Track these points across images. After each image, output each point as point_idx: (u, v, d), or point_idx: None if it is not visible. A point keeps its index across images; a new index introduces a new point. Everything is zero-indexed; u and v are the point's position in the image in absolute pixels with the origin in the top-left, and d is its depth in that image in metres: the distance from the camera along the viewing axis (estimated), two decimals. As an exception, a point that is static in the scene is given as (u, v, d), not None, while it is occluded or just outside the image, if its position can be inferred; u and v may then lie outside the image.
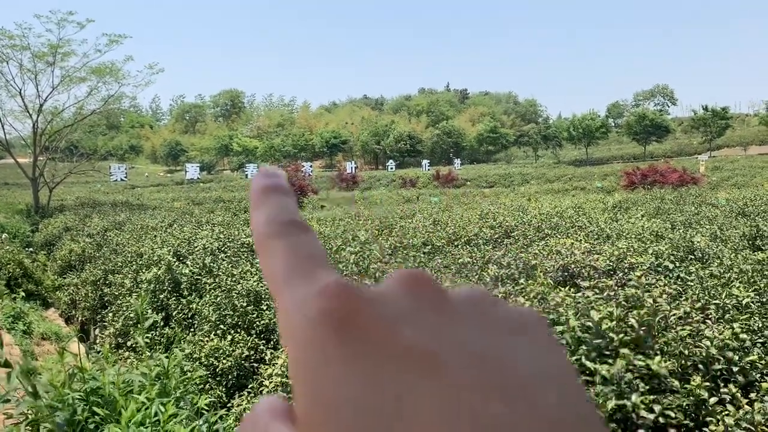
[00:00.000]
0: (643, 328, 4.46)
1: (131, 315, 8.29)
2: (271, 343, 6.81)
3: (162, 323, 8.24)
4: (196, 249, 10.17)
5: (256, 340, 6.84)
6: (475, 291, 0.30)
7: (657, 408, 3.73)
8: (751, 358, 4.26)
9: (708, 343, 4.34)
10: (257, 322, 7.05)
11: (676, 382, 3.99)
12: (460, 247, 10.15)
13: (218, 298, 7.58)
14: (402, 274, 0.29)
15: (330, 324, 0.25)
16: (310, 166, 61.80)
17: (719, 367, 4.22)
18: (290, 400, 0.27)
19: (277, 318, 0.29)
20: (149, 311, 7.83)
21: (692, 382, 3.92)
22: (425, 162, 73.19)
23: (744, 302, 5.29)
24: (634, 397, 3.76)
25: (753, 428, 3.47)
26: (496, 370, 0.24)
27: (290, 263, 0.29)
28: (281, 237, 0.30)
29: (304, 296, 0.27)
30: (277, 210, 0.32)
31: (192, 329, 7.84)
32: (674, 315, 4.88)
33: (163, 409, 3.39)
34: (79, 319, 11.25)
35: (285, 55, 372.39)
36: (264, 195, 0.33)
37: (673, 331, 4.59)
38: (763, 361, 4.31)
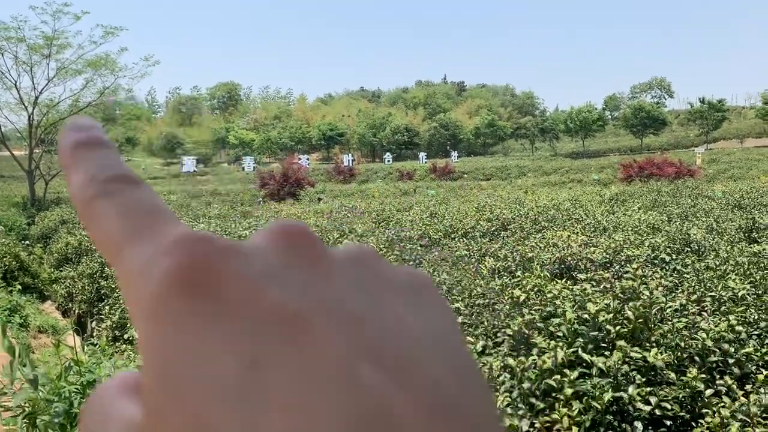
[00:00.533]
0: (639, 320, 4.47)
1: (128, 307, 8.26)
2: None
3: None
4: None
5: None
6: (361, 248, 0.27)
7: (653, 400, 3.75)
8: (746, 350, 4.28)
9: (704, 335, 4.36)
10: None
11: (673, 374, 4.00)
12: (457, 239, 10.16)
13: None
14: (275, 226, 0.25)
15: (179, 283, 0.21)
16: (307, 159, 61.71)
17: (715, 359, 4.24)
18: None
19: (120, 291, 0.25)
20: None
21: (688, 374, 3.93)
22: (422, 155, 73.09)
23: (740, 294, 5.31)
24: (630, 389, 3.77)
25: (749, 420, 3.48)
26: (373, 333, 0.22)
27: (126, 224, 0.24)
28: (108, 196, 0.26)
29: (147, 257, 0.23)
30: (97, 166, 0.27)
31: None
32: (670, 307, 4.89)
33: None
34: (76, 312, 11.24)
35: (282, 47, 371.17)
36: (78, 152, 0.28)
37: (669, 323, 4.60)
38: (758, 353, 4.33)
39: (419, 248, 9.35)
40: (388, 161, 72.04)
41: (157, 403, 0.20)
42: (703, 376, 3.97)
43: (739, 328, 4.48)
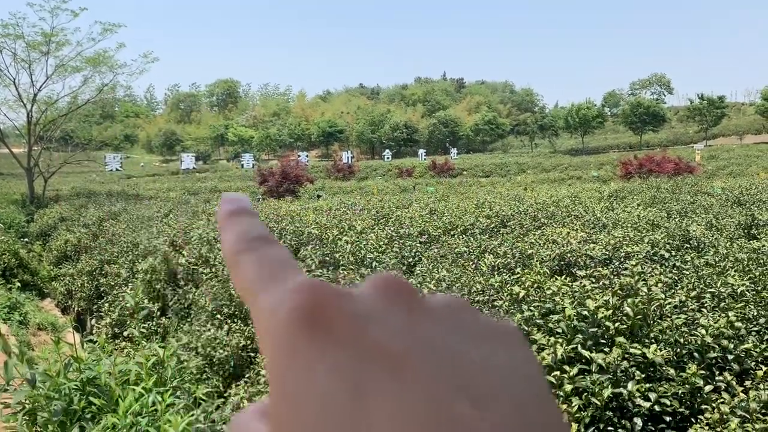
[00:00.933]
0: (638, 316, 4.47)
1: (127, 305, 8.28)
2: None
3: (158, 313, 8.23)
4: (192, 239, 10.15)
5: (252, 329, 6.84)
6: (452, 298, 0.30)
7: (653, 396, 3.75)
8: (746, 346, 4.28)
9: (703, 331, 4.36)
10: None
11: (672, 371, 4.00)
12: (456, 236, 10.16)
13: (215, 288, 7.58)
14: (377, 277, 0.30)
15: (300, 319, 0.26)
16: (306, 156, 61.66)
17: (714, 355, 4.24)
18: None
19: (254, 327, 0.29)
20: (145, 301, 7.84)
21: (688, 371, 3.94)
22: (422, 151, 73.05)
23: (739, 291, 5.31)
24: (630, 386, 3.78)
25: (748, 416, 3.49)
26: (465, 372, 0.24)
27: (262, 272, 0.30)
28: (251, 251, 0.32)
29: (277, 297, 0.28)
30: (244, 228, 0.33)
31: (188, 319, 7.84)
32: (670, 303, 4.89)
33: (160, 399, 3.39)
34: (75, 309, 11.24)
35: (281, 44, 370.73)
36: (231, 217, 0.35)
37: (668, 319, 4.60)
38: (758, 349, 4.33)
39: (419, 245, 9.34)
40: (388, 158, 72.00)
41: (279, 420, 0.24)
42: (703, 372, 3.97)
43: (738, 324, 4.49)
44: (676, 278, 6.14)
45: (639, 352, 4.08)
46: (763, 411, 3.52)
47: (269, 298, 0.28)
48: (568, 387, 3.81)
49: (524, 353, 0.28)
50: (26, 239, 18.26)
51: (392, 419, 0.22)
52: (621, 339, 4.18)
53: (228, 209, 0.35)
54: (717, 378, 4.00)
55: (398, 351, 0.25)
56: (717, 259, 6.75)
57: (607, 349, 4.20)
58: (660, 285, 5.28)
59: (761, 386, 3.72)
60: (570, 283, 5.49)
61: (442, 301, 0.29)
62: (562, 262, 7.50)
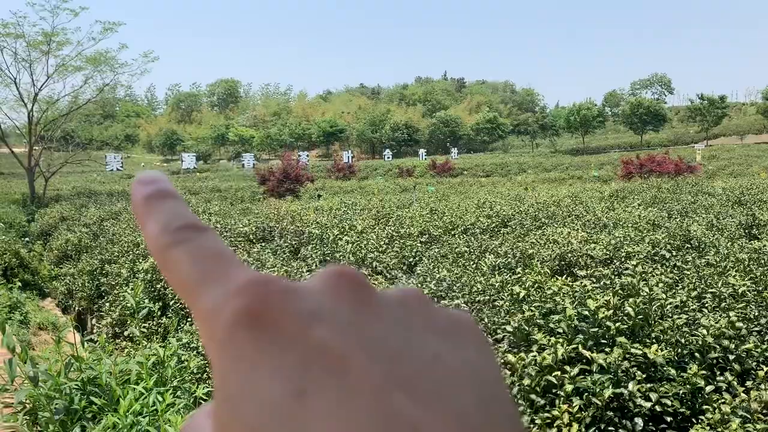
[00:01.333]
0: (639, 316, 4.47)
1: (128, 305, 8.28)
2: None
3: (159, 313, 8.23)
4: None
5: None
6: (408, 291, 0.29)
7: (653, 396, 3.75)
8: (747, 346, 4.27)
9: (704, 331, 4.35)
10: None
11: (673, 371, 4.00)
12: (457, 236, 10.15)
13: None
14: (329, 270, 0.28)
15: (245, 321, 0.25)
16: (306, 155, 61.64)
17: (715, 355, 4.24)
18: None
19: (195, 328, 0.28)
20: (146, 301, 7.83)
21: (689, 371, 3.93)
22: (422, 151, 73.05)
23: (740, 291, 5.30)
24: (630, 386, 3.77)
25: (749, 416, 3.48)
26: (410, 370, 0.24)
27: (197, 268, 0.28)
28: (181, 243, 0.29)
29: (218, 298, 0.26)
30: (168, 216, 0.30)
31: (189, 319, 7.84)
32: (670, 303, 4.89)
33: (160, 399, 3.39)
34: (76, 308, 11.24)
35: (281, 44, 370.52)
36: (150, 203, 0.31)
37: (669, 319, 4.60)
38: (759, 350, 4.33)
39: (419, 244, 9.34)
40: (388, 158, 72.01)
41: (220, 422, 0.24)
42: (704, 372, 3.97)
43: (739, 324, 4.48)
44: (677, 278, 6.13)
45: (640, 352, 4.08)
46: (764, 411, 3.52)
47: (209, 299, 0.27)
48: (569, 387, 3.81)
49: (480, 350, 0.27)
50: (27, 239, 18.26)
51: (331, 418, 0.22)
52: (622, 339, 4.18)
53: (145, 192, 0.32)
54: (718, 378, 3.99)
55: (342, 350, 0.24)
56: (718, 259, 6.74)
57: (608, 349, 4.20)
58: (661, 285, 5.28)
59: (762, 386, 3.71)
60: (571, 283, 5.49)
61: (395, 296, 0.29)
62: (563, 262, 7.50)
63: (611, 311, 4.55)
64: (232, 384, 0.24)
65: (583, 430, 3.64)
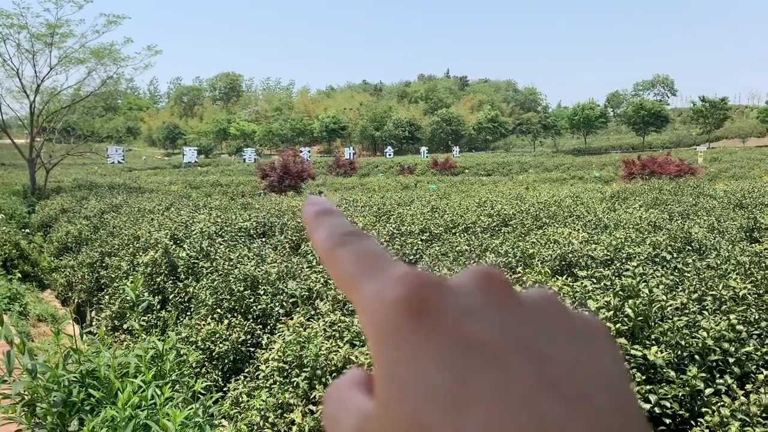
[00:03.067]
0: (639, 318, 4.46)
1: (127, 298, 8.27)
2: (268, 327, 6.81)
3: (158, 306, 8.23)
4: (193, 233, 10.15)
5: (252, 324, 6.83)
6: (545, 294, 0.32)
7: (653, 398, 3.74)
8: (747, 349, 4.26)
9: (704, 334, 4.34)
10: (254, 307, 7.05)
11: (672, 373, 3.99)
12: (457, 234, 10.14)
13: (215, 282, 7.57)
14: (476, 271, 0.31)
15: (405, 309, 0.28)
16: (308, 151, 61.63)
17: (715, 358, 4.23)
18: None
19: (357, 314, 0.31)
20: (146, 294, 7.83)
21: (688, 373, 3.92)
22: (424, 149, 73.07)
23: (741, 294, 5.29)
24: (630, 387, 3.76)
25: (749, 419, 3.48)
26: (555, 369, 0.26)
27: (360, 264, 0.32)
28: (345, 245, 0.34)
29: (380, 286, 0.30)
30: (334, 225, 0.36)
31: (189, 313, 7.84)
32: (671, 305, 4.88)
33: (159, 392, 3.38)
34: (76, 301, 11.24)
35: (284, 38, 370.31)
36: (318, 217, 0.37)
37: (669, 321, 4.59)
38: (759, 353, 4.32)
39: (420, 242, 9.33)
40: (390, 155, 71.99)
41: (385, 398, 0.27)
42: (703, 374, 3.96)
43: (739, 327, 4.47)
44: (678, 280, 6.12)
45: (640, 353, 4.07)
46: (764, 415, 3.51)
47: (372, 288, 0.30)
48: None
49: (612, 353, 0.29)
50: (27, 230, 18.26)
51: (491, 409, 0.24)
52: (622, 340, 4.17)
53: (315, 210, 0.38)
54: (718, 381, 3.98)
55: (496, 346, 0.26)
56: (719, 262, 6.73)
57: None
58: (661, 287, 5.27)
59: (762, 390, 3.70)
60: (571, 284, 5.48)
61: (535, 298, 0.31)
62: (564, 262, 7.49)
63: (611, 312, 4.55)
64: (398, 367, 0.26)
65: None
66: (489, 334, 0.27)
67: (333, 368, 4.93)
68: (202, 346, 6.46)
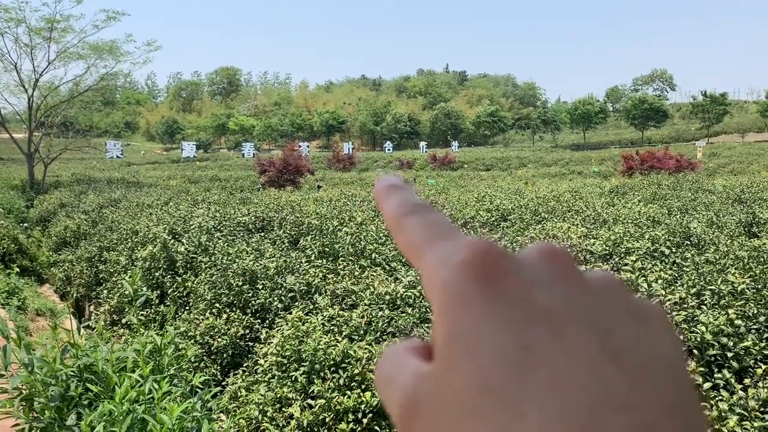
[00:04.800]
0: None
1: (126, 292, 8.27)
2: (266, 322, 6.81)
3: (157, 301, 8.23)
4: (191, 227, 10.13)
5: (251, 319, 6.83)
6: (608, 275, 0.32)
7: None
8: (745, 343, 4.26)
9: (703, 328, 4.35)
10: (252, 302, 7.04)
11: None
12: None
13: (214, 277, 7.57)
14: (543, 246, 0.32)
15: (473, 273, 0.28)
16: (307, 146, 61.57)
17: (714, 352, 4.23)
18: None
19: (421, 277, 0.31)
20: (144, 289, 7.82)
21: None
22: (423, 144, 73.00)
23: (739, 288, 5.29)
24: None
25: (747, 414, 3.48)
26: (618, 343, 0.27)
27: (428, 231, 0.33)
28: (414, 214, 0.35)
29: (448, 251, 0.30)
30: (405, 196, 0.37)
31: (187, 307, 7.83)
32: (669, 300, 4.88)
33: (157, 387, 3.38)
34: (74, 295, 11.24)
35: (283, 33, 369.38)
36: (390, 189, 0.38)
37: (668, 316, 4.59)
38: (757, 347, 4.32)
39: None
40: (389, 150, 71.94)
41: (448, 359, 0.27)
42: (702, 369, 3.96)
43: (738, 322, 4.47)
44: (676, 275, 6.12)
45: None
46: (762, 409, 3.51)
47: (439, 252, 0.31)
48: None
49: (671, 338, 0.29)
50: (26, 225, 18.24)
51: (555, 374, 0.25)
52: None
53: (386, 183, 0.39)
54: (716, 375, 3.99)
55: (561, 316, 0.27)
56: (717, 257, 6.73)
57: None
58: (660, 281, 5.27)
59: (760, 384, 3.71)
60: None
61: (599, 277, 0.31)
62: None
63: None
64: (463, 329, 0.27)
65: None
66: (555, 304, 0.28)
67: (331, 362, 4.93)
68: (201, 341, 6.45)
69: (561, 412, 0.24)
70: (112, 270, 9.79)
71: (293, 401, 4.77)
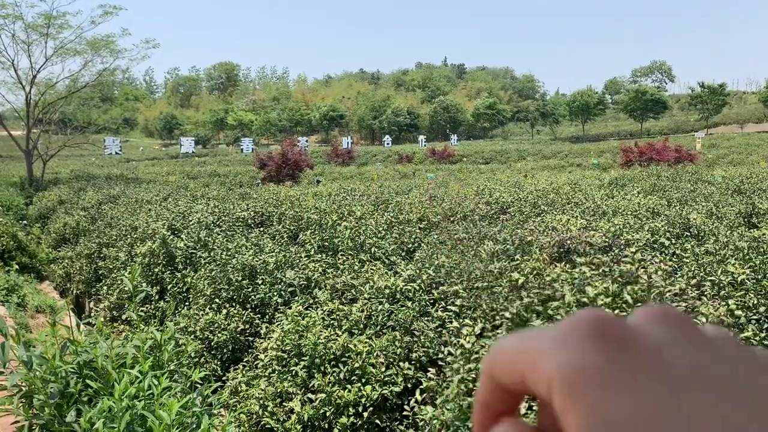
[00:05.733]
0: (638, 303, 4.45)
1: (126, 288, 8.26)
2: (266, 317, 6.81)
3: (157, 297, 8.23)
4: (191, 223, 10.12)
5: (251, 314, 6.83)
6: (722, 330, 0.31)
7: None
8: (746, 334, 4.27)
9: (703, 319, 4.34)
10: (252, 296, 7.04)
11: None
12: (456, 222, 10.13)
13: (213, 272, 7.56)
14: (650, 308, 0.31)
15: (595, 346, 0.26)
16: (306, 141, 61.47)
17: (714, 343, 4.23)
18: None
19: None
20: (144, 285, 7.82)
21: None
22: (422, 138, 72.90)
23: (739, 279, 5.29)
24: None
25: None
26: (756, 402, 0.25)
27: (519, 347, 0.30)
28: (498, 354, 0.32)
29: (551, 335, 0.28)
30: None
31: (187, 303, 7.83)
32: (669, 291, 4.87)
33: (156, 383, 3.37)
34: (74, 292, 11.24)
35: (280, 27, 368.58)
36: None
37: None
38: (757, 338, 4.32)
39: (418, 231, 9.32)
40: (388, 144, 71.86)
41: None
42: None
43: (738, 312, 4.47)
44: (676, 266, 6.12)
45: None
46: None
47: (539, 340, 0.28)
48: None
49: None
50: (25, 222, 18.23)
51: (708, 426, 0.23)
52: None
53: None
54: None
55: (705, 378, 0.26)
56: (717, 248, 6.72)
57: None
58: (660, 273, 5.26)
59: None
60: (569, 270, 5.47)
61: (715, 332, 0.30)
62: (562, 249, 7.47)
63: (610, 298, 4.54)
64: (603, 407, 0.25)
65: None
66: (693, 363, 0.26)
67: (332, 356, 4.93)
68: (201, 336, 6.45)
69: None
70: (111, 266, 9.79)
71: (294, 395, 4.77)
